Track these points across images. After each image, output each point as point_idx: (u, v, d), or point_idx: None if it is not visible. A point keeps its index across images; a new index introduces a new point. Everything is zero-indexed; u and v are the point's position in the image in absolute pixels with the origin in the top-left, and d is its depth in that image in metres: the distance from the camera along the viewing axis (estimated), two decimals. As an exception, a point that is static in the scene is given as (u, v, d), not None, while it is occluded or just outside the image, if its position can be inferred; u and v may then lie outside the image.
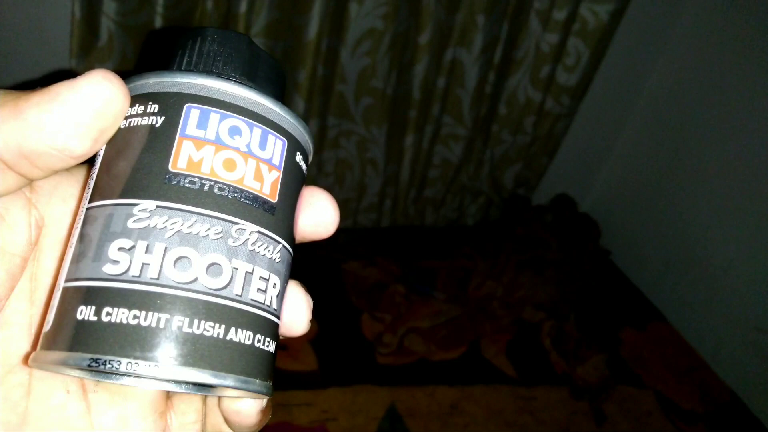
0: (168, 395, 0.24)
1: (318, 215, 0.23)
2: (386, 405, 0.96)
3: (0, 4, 0.88)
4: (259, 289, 0.20)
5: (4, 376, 0.20)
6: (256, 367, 0.20)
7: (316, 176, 1.23)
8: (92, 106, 0.18)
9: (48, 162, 0.18)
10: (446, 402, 0.99)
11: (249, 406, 0.23)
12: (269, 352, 0.20)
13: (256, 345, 0.19)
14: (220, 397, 0.23)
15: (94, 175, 0.20)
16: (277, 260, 0.21)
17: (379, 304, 1.11)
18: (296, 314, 0.23)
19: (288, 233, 0.22)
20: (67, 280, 0.18)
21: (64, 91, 0.18)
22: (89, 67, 0.90)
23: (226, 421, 0.23)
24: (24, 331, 0.21)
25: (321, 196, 0.24)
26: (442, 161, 1.31)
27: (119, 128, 0.20)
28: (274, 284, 0.21)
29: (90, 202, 0.19)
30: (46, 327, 0.19)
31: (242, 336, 0.19)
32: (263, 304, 0.20)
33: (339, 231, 0.26)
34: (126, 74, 0.20)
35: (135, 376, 0.20)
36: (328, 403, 0.94)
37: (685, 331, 1.22)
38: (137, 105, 0.20)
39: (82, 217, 0.19)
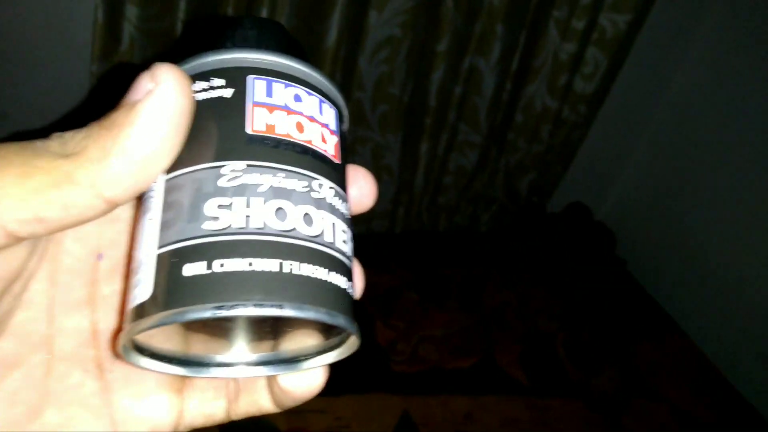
0: None
1: (362, 187, 0.25)
2: (399, 413, 0.96)
3: (24, 10, 0.89)
4: (343, 240, 0.21)
5: (26, 355, 0.20)
6: (351, 308, 0.21)
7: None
8: (183, 120, 0.18)
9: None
10: (460, 411, 0.98)
11: (319, 377, 0.23)
12: (354, 298, 0.21)
13: (348, 291, 0.21)
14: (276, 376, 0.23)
15: None
16: (347, 216, 0.22)
17: (392, 312, 1.11)
18: (357, 281, 0.24)
19: (347, 192, 0.23)
20: (160, 247, 0.19)
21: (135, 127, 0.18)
22: (110, 72, 0.91)
23: (278, 396, 0.23)
24: (44, 312, 0.21)
25: (361, 169, 0.25)
26: (456, 168, 1.31)
27: None
28: (350, 238, 0.22)
29: (168, 174, 0.20)
30: (141, 298, 0.18)
31: (340, 280, 0.20)
32: (346, 254, 0.21)
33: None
34: (169, 57, 0.20)
35: (258, 319, 0.20)
36: (341, 410, 0.94)
37: (701, 342, 1.21)
38: (200, 81, 0.21)
39: (161, 189, 0.20)
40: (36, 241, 0.20)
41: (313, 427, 0.90)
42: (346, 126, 0.25)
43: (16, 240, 0.17)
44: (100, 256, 0.23)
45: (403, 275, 1.21)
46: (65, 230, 0.19)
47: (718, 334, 1.19)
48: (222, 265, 0.18)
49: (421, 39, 1.07)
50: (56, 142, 0.17)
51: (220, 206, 0.18)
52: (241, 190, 0.19)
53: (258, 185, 0.19)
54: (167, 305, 0.18)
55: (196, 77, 0.21)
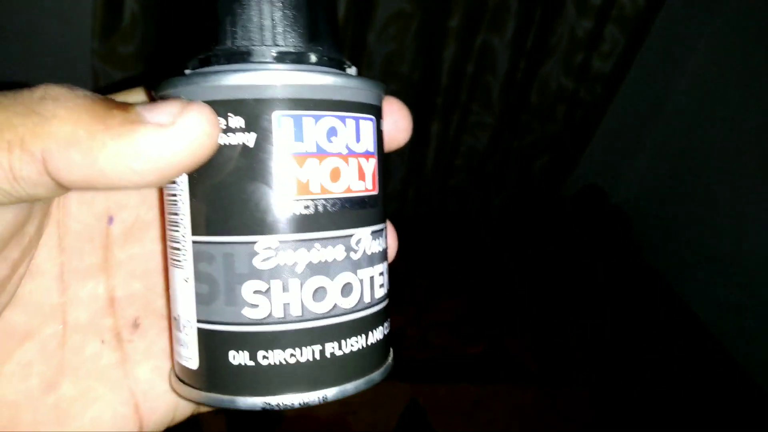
0: None
1: (396, 121, 0.22)
2: (407, 400, 0.94)
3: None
4: (380, 285, 0.20)
5: (38, 326, 0.20)
6: (387, 352, 0.21)
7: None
8: (181, 167, 0.17)
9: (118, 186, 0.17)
10: (469, 398, 0.97)
11: None
12: (390, 332, 0.22)
13: (385, 333, 0.21)
14: None
15: (183, 198, 0.18)
16: (383, 245, 0.21)
17: (402, 297, 1.09)
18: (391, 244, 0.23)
19: (384, 208, 0.21)
20: (200, 321, 0.19)
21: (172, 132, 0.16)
22: (111, 49, 0.88)
23: None
24: (54, 281, 0.20)
25: (395, 102, 0.22)
26: (468, 150, 1.28)
27: None
28: (386, 267, 0.21)
29: (195, 234, 0.18)
30: (189, 363, 0.19)
31: (378, 332, 0.20)
32: (385, 294, 0.21)
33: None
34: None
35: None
36: (348, 396, 0.92)
37: (717, 330, 1.18)
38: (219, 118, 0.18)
39: (189, 250, 0.19)
40: (31, 204, 0.18)
41: (320, 412, 0.89)
42: (382, 111, 0.22)
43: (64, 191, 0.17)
44: (110, 220, 0.22)
45: (413, 260, 1.18)
46: (19, 203, 0.18)
47: (734, 321, 1.16)
48: (265, 357, 0.18)
49: (432, 14, 1.03)
50: (35, 94, 0.16)
51: (257, 292, 0.18)
52: (277, 273, 0.18)
53: (294, 264, 0.18)
54: (216, 388, 0.19)
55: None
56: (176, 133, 0.16)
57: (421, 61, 1.09)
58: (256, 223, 0.17)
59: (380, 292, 0.20)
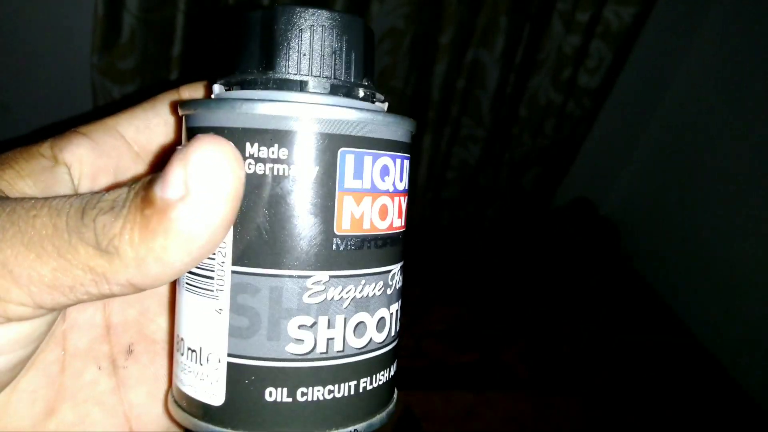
0: None
1: None
2: (401, 408, 0.95)
3: (25, 1, 0.89)
4: (399, 317, 0.21)
5: (39, 354, 0.20)
6: (393, 389, 0.22)
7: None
8: (224, 225, 0.16)
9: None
10: (463, 406, 0.98)
11: None
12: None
13: (394, 371, 0.21)
14: None
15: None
16: (401, 282, 0.22)
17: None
18: None
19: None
20: (232, 355, 0.17)
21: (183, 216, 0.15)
22: (111, 63, 0.90)
23: None
24: (55, 312, 0.21)
25: None
26: (460, 163, 1.30)
27: (252, 173, 0.17)
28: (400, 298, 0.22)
29: (236, 264, 0.17)
30: (209, 399, 0.18)
31: (395, 366, 0.21)
32: (398, 331, 0.22)
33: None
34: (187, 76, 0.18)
35: None
36: (343, 405, 0.93)
37: (705, 338, 1.20)
38: (270, 145, 0.16)
39: (228, 280, 0.17)
40: None
41: None
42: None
43: (44, 312, 0.17)
44: None
45: (406, 270, 1.20)
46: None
47: (722, 330, 1.18)
48: (304, 394, 0.17)
49: (425, 31, 1.06)
50: (90, 229, 0.15)
51: (302, 326, 0.17)
52: (324, 308, 0.18)
53: (341, 300, 0.18)
54: (244, 426, 0.18)
55: (251, 135, 0.16)
56: (197, 199, 0.15)
57: (413, 76, 1.12)
58: (309, 257, 0.17)
59: (396, 326, 0.21)
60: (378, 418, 0.19)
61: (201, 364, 0.18)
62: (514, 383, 1.03)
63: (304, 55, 0.18)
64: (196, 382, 0.18)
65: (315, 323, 0.17)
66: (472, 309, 1.12)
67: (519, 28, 1.10)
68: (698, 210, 1.26)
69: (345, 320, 0.18)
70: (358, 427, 0.18)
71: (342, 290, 0.18)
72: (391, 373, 0.20)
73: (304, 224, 0.17)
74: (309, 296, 0.17)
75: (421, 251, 1.29)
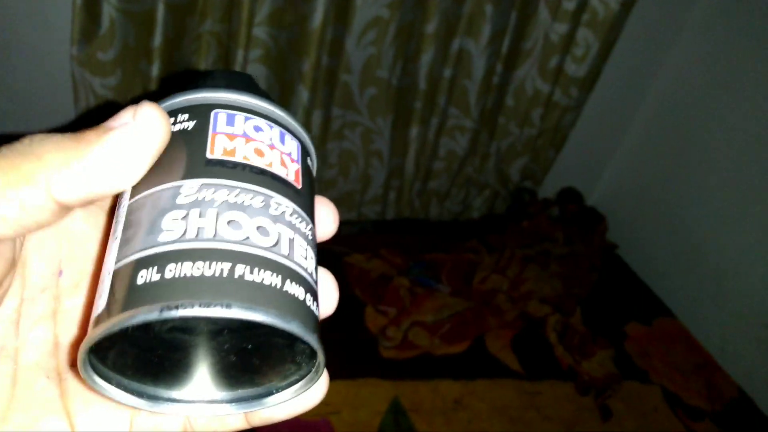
0: None
1: (322, 212, 0.26)
2: (390, 399, 0.95)
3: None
4: (301, 255, 0.21)
5: None
6: (312, 323, 0.20)
7: (320, 168, 1.21)
8: (150, 151, 0.20)
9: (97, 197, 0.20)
10: (450, 397, 0.98)
11: (315, 395, 0.26)
12: (318, 317, 0.21)
13: (308, 304, 0.20)
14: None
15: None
16: (310, 237, 0.22)
17: (383, 297, 1.10)
18: (328, 293, 0.26)
19: (313, 219, 0.23)
20: (117, 262, 0.19)
21: (123, 137, 0.20)
22: (91, 55, 0.89)
23: (251, 417, 0.25)
24: (12, 326, 0.22)
25: (322, 198, 0.26)
26: (447, 153, 1.29)
27: None
28: (312, 257, 0.22)
29: (131, 198, 0.21)
30: (98, 310, 0.19)
31: (297, 290, 0.20)
32: (307, 270, 0.21)
33: (343, 223, 0.28)
34: (152, 96, 0.23)
35: (207, 322, 0.20)
36: (331, 396, 0.92)
37: (691, 326, 1.21)
38: (171, 118, 0.23)
39: (124, 212, 0.21)
40: (14, 258, 0.21)
41: (304, 413, 0.90)
42: (313, 164, 0.26)
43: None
44: (60, 273, 0.24)
45: (394, 261, 1.20)
46: (25, 234, 0.21)
47: (708, 317, 1.19)
48: (171, 270, 0.18)
49: (409, 20, 1.05)
50: (23, 143, 0.19)
51: (174, 219, 0.19)
52: (196, 204, 0.20)
53: (213, 200, 0.20)
54: (122, 309, 0.18)
55: (169, 114, 0.23)
56: (139, 125, 0.20)
57: (399, 66, 1.11)
58: (183, 172, 0.21)
59: (304, 261, 0.21)
60: (262, 312, 0.18)
61: (100, 289, 0.20)
62: (502, 372, 1.04)
63: (204, 83, 0.25)
64: (94, 308, 0.19)
65: (186, 215, 0.19)
66: (459, 300, 1.13)
67: (505, 17, 1.10)
68: (684, 199, 1.27)
69: (217, 214, 0.20)
70: (233, 303, 0.17)
71: (214, 192, 0.20)
72: (287, 289, 0.19)
73: (183, 154, 0.21)
74: (183, 197, 0.20)
75: (409, 242, 1.29)
